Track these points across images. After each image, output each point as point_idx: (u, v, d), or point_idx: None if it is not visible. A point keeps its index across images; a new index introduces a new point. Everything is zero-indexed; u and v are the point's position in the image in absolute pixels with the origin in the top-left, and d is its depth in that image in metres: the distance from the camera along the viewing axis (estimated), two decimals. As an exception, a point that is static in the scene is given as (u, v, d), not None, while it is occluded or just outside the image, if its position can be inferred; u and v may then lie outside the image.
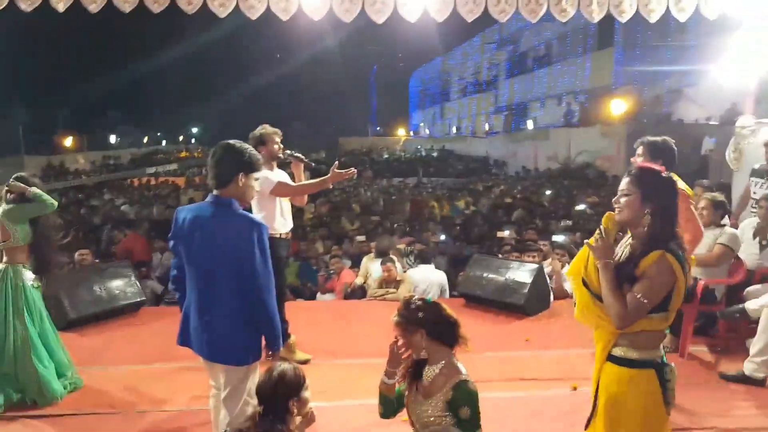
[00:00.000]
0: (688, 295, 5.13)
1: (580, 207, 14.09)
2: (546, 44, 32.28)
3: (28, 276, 4.45)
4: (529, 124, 31.59)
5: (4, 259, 4.35)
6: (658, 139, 4.33)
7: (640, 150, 4.32)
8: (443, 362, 2.77)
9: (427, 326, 2.76)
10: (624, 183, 2.70)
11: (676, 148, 4.30)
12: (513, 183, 22.09)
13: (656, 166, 2.77)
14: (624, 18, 5.87)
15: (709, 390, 4.63)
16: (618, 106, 22.68)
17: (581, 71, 27.09)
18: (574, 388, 4.68)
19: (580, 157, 22.11)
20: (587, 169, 22.11)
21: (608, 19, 5.93)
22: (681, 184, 4.15)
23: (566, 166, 22.93)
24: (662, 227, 2.62)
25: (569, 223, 11.32)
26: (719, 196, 5.48)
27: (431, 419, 2.69)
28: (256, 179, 3.26)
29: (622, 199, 2.68)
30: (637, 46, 23.90)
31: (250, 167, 3.14)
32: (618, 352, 2.68)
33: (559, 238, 8.91)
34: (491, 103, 39.95)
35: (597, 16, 5.79)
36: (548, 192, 17.61)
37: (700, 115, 21.61)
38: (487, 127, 40.11)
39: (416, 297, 2.86)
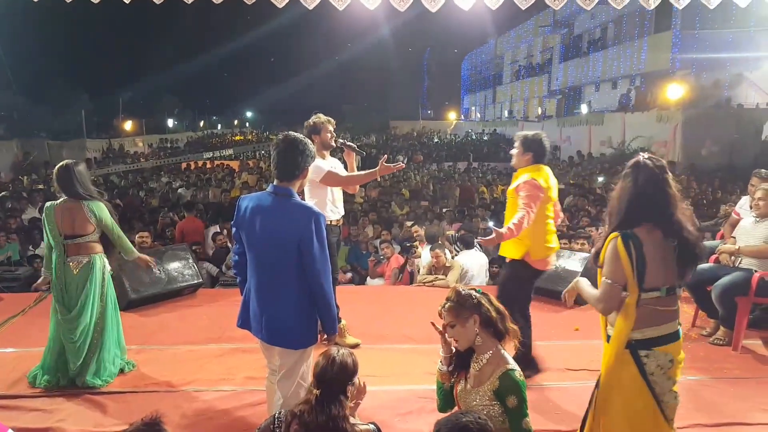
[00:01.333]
0: (743, 287, 5.07)
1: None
2: (601, 27, 31.40)
3: (108, 265, 4.73)
4: (583, 108, 30.90)
5: (86, 250, 4.56)
6: (530, 133, 4.54)
7: (516, 144, 4.55)
8: (491, 352, 2.83)
9: (481, 313, 2.83)
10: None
11: (547, 143, 4.54)
12: (565, 168, 21.72)
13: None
14: (681, 4, 5.72)
15: (763, 384, 4.55)
16: (675, 91, 21.95)
17: (637, 55, 26.24)
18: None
19: (635, 143, 21.50)
20: (642, 155, 21.55)
21: (666, 3, 5.78)
22: (544, 177, 4.39)
23: (620, 151, 22.38)
24: (625, 212, 2.77)
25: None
26: (777, 187, 5.31)
27: (480, 408, 2.75)
28: None
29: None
30: (695, 29, 23.01)
31: (311, 161, 3.29)
32: (609, 330, 2.86)
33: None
34: (544, 87, 39.19)
35: (653, 3, 5.66)
36: (601, 178, 17.25)
37: (762, 100, 20.78)
38: (539, 111, 39.44)
39: (468, 287, 2.93)
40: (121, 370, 4.72)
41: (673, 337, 2.78)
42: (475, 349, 2.87)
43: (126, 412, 4.07)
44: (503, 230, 4.16)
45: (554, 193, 4.55)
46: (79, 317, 4.48)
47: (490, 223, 10.41)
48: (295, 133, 3.33)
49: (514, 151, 4.57)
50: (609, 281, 2.70)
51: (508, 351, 2.91)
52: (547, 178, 4.47)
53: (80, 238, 4.50)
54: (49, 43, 37.22)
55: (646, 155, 2.90)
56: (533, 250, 4.40)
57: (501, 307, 2.89)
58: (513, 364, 2.79)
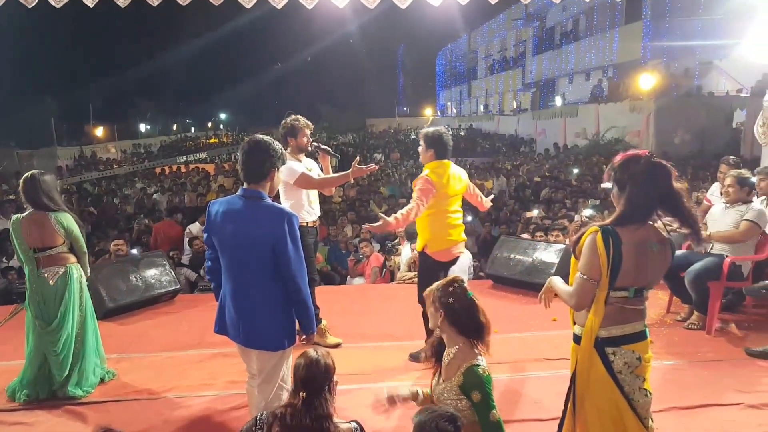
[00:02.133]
0: (715, 272, 5.18)
1: (607, 185, 13.89)
2: (573, 19, 31.69)
3: (84, 274, 4.67)
4: (558, 101, 31.14)
5: (60, 261, 4.50)
6: (430, 130, 4.76)
7: (420, 141, 4.78)
8: (457, 347, 2.84)
9: (450, 314, 2.83)
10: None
11: (448, 138, 4.72)
12: (541, 161, 21.90)
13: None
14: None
15: (736, 366, 4.66)
16: (647, 81, 22.23)
17: (609, 46, 26.55)
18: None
19: (609, 133, 21.79)
20: (616, 145, 21.77)
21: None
22: (444, 173, 4.60)
23: (595, 142, 22.63)
24: (632, 208, 2.71)
25: (597, 202, 11.22)
26: (745, 173, 5.44)
27: (449, 402, 2.77)
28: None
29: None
30: (665, 19, 23.32)
31: (279, 163, 3.27)
32: (576, 329, 2.87)
33: (587, 213, 8.91)
34: (519, 81, 39.43)
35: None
36: (576, 170, 17.42)
37: (732, 88, 21.13)
38: (515, 104, 39.66)
39: (463, 284, 2.88)
40: (102, 380, 4.68)
41: (640, 336, 2.77)
42: (445, 342, 2.90)
43: (106, 422, 4.03)
44: (390, 219, 4.36)
45: (459, 187, 4.74)
46: (60, 329, 4.43)
47: (469, 218, 10.49)
48: (262, 135, 3.32)
49: (419, 149, 4.81)
50: (584, 277, 2.69)
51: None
52: (446, 174, 4.63)
53: (50, 249, 4.44)
54: (12, 50, 36.51)
55: (644, 151, 2.84)
56: (431, 243, 4.68)
57: (483, 320, 2.83)
58: (479, 360, 2.78)
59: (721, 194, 5.72)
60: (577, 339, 2.84)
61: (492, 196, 5.35)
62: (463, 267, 7.41)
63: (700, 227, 2.80)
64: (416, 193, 4.51)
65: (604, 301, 2.70)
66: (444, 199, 4.62)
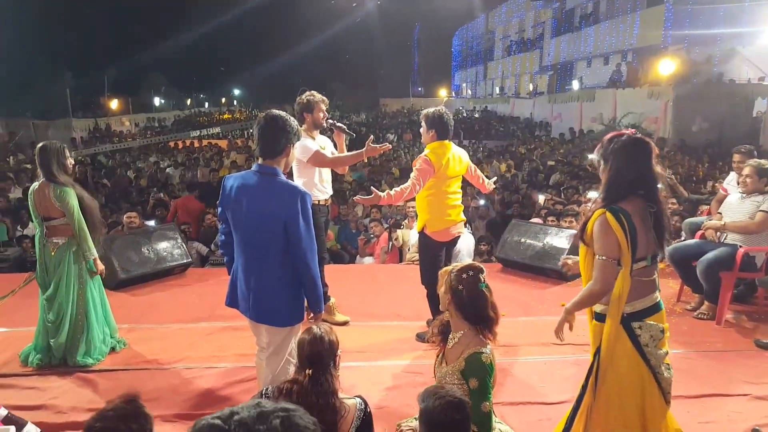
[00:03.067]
0: (727, 262, 5.14)
1: (594, 156, 13.73)
2: (594, 1, 31.19)
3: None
4: (575, 85, 30.76)
5: (62, 233, 4.52)
6: (431, 111, 4.76)
7: (422, 122, 4.78)
8: (461, 332, 2.85)
9: (457, 299, 2.83)
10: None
11: (448, 119, 4.71)
12: (556, 146, 21.73)
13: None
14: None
15: (744, 357, 4.64)
16: (667, 66, 21.87)
17: (629, 30, 26.10)
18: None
19: (626, 119, 21.50)
20: (633, 131, 21.61)
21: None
22: (444, 154, 4.59)
23: (611, 127, 22.40)
24: (614, 181, 2.80)
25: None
26: (764, 163, 5.36)
27: (451, 385, 2.78)
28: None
29: None
30: (688, 4, 22.89)
31: (295, 139, 3.27)
32: (597, 308, 2.88)
33: (591, 195, 8.85)
34: (536, 63, 38.95)
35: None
36: (591, 156, 17.26)
37: (754, 76, 20.77)
38: (531, 87, 39.25)
39: (480, 273, 2.88)
40: (113, 349, 4.76)
41: (658, 307, 2.84)
42: (451, 325, 2.91)
43: (118, 390, 4.06)
44: (383, 194, 4.38)
45: (459, 168, 4.75)
46: (54, 297, 4.51)
47: (482, 202, 10.47)
48: (278, 111, 3.32)
49: (421, 129, 4.81)
50: (603, 258, 2.70)
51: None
52: (446, 154, 4.63)
53: (53, 220, 4.49)
54: (31, 22, 36.61)
55: (632, 131, 2.93)
56: (430, 223, 4.71)
57: (492, 312, 2.84)
58: (485, 348, 2.78)
59: (738, 184, 5.65)
60: (599, 317, 2.86)
61: (494, 179, 5.33)
62: (470, 250, 7.45)
63: (667, 231, 2.86)
64: (414, 172, 4.54)
65: (629, 276, 2.73)
66: (443, 180, 4.64)
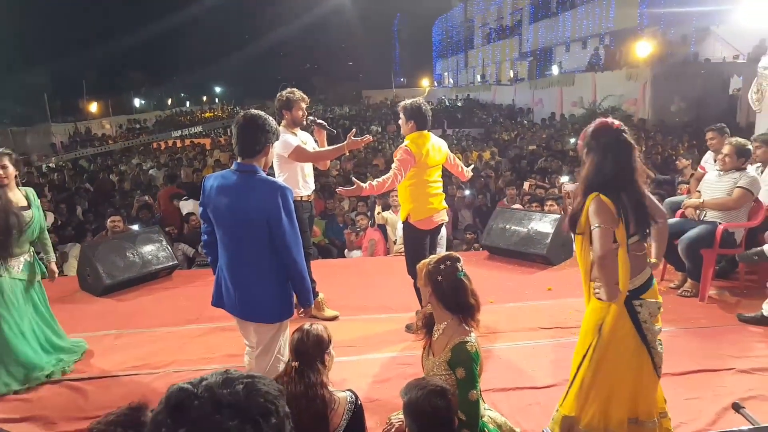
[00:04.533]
0: (708, 239, 5.22)
1: (579, 142, 13.84)
2: (570, -15, 31.31)
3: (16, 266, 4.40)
4: (554, 70, 30.87)
5: None
6: (408, 102, 4.79)
7: (400, 113, 4.80)
8: (445, 323, 2.87)
9: (437, 291, 2.85)
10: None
11: (426, 109, 4.74)
12: (538, 131, 21.82)
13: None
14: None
15: (728, 332, 4.72)
16: (643, 48, 21.98)
17: (606, 13, 26.17)
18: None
19: (606, 102, 21.63)
20: (613, 114, 21.71)
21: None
22: (423, 144, 4.65)
23: (591, 111, 22.51)
24: (594, 174, 2.88)
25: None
26: (743, 142, 5.42)
27: (438, 377, 2.80)
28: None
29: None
30: (662, -17, 23.01)
31: (273, 139, 3.29)
32: (596, 285, 2.97)
33: (566, 181, 8.92)
34: (516, 50, 38.96)
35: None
36: (573, 140, 17.38)
37: (728, 54, 20.94)
38: (511, 74, 39.26)
39: (457, 262, 2.88)
40: (54, 373, 4.38)
41: (651, 282, 2.94)
42: (435, 317, 2.93)
43: (108, 397, 4.09)
44: (365, 185, 4.43)
45: (439, 158, 4.80)
46: None
47: (467, 192, 10.50)
48: (256, 111, 3.33)
49: (400, 121, 4.84)
50: (601, 226, 2.77)
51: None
52: (425, 144, 4.68)
53: None
54: (2, 26, 35.98)
55: (616, 122, 2.99)
56: (413, 212, 4.76)
57: (472, 300, 2.84)
58: (469, 337, 2.80)
59: (715, 161, 5.72)
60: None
61: (472, 166, 5.38)
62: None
63: (646, 229, 2.94)
64: (396, 163, 4.60)
65: (627, 251, 2.81)
66: (424, 170, 4.70)
